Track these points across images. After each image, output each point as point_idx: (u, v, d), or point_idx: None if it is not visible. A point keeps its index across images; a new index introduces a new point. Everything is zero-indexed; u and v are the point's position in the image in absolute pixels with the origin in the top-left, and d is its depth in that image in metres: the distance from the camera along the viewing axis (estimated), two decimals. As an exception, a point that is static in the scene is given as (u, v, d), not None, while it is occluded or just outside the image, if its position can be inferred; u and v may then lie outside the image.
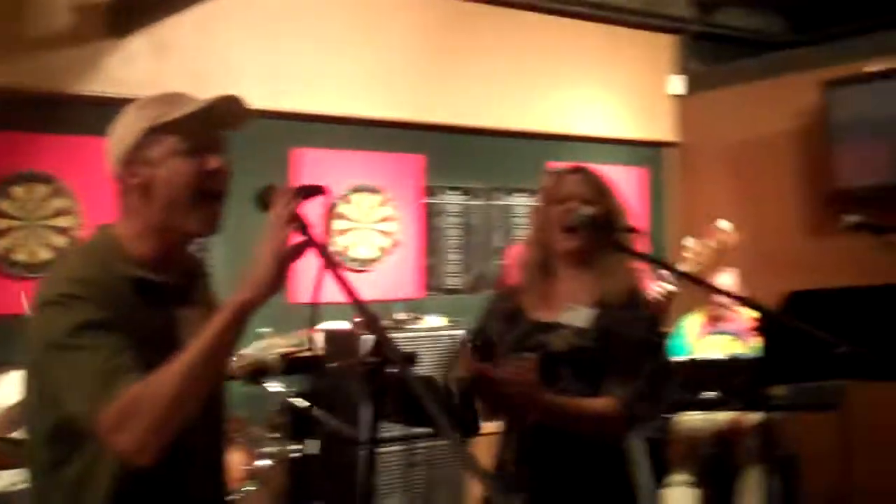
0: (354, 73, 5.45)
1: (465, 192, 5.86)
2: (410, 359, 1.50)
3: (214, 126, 1.93)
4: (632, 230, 2.61)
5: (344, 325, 5.04)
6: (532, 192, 6.10)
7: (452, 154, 5.82)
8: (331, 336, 4.83)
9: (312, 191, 1.82)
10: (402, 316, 4.98)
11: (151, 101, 1.94)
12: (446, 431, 1.38)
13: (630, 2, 6.36)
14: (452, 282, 5.77)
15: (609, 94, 6.48)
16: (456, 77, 5.81)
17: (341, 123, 5.37)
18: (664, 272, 3.68)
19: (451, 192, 5.80)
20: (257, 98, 4.90)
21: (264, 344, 4.17)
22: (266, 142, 4.86)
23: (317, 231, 1.80)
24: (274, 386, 4.19)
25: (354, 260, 5.32)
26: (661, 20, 6.59)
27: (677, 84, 6.73)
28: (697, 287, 2.81)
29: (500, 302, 2.84)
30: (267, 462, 3.93)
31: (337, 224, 5.30)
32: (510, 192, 6.04)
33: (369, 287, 5.35)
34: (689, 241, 3.74)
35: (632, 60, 6.60)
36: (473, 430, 2.74)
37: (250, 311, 1.75)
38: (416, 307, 5.34)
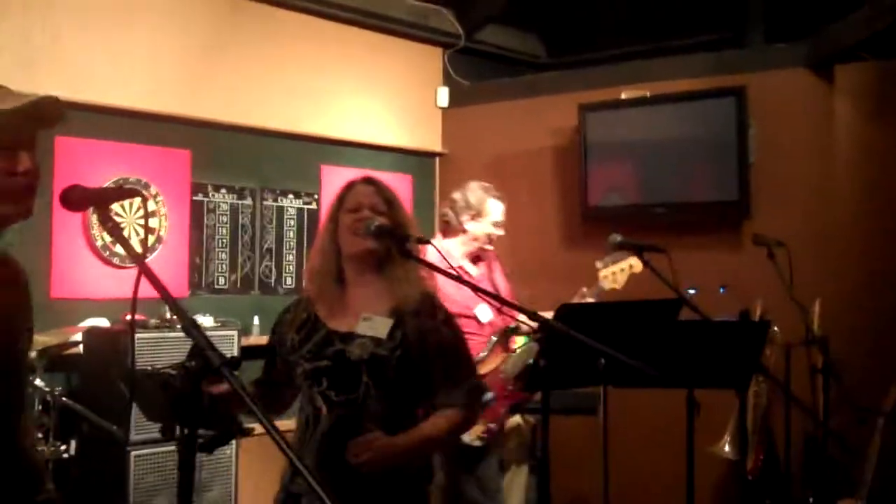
0: (121, 61, 5.25)
1: (234, 190, 5.78)
2: (231, 361, 1.50)
3: (29, 124, 1.88)
4: (422, 241, 2.70)
5: (105, 322, 4.89)
6: (303, 195, 6.11)
7: (221, 152, 5.72)
8: (91, 334, 4.67)
9: (127, 193, 1.80)
10: (170, 315, 4.84)
11: None
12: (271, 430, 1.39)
13: (400, 13, 6.52)
14: (218, 281, 5.67)
15: (380, 102, 6.59)
16: (227, 74, 5.73)
17: (106, 113, 5.16)
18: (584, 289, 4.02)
19: (219, 191, 5.70)
20: (16, 83, 4.66)
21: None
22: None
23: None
24: (37, 384, 3.98)
25: (117, 255, 5.14)
26: (429, 33, 6.79)
27: (444, 96, 6.93)
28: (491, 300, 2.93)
29: (296, 310, 2.84)
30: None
31: (100, 218, 5.10)
32: (281, 193, 6.01)
33: (133, 284, 5.18)
34: (599, 264, 4.06)
35: (403, 70, 6.76)
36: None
37: None
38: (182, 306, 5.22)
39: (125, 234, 1.82)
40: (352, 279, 2.78)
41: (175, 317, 1.61)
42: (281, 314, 2.91)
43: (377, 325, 2.68)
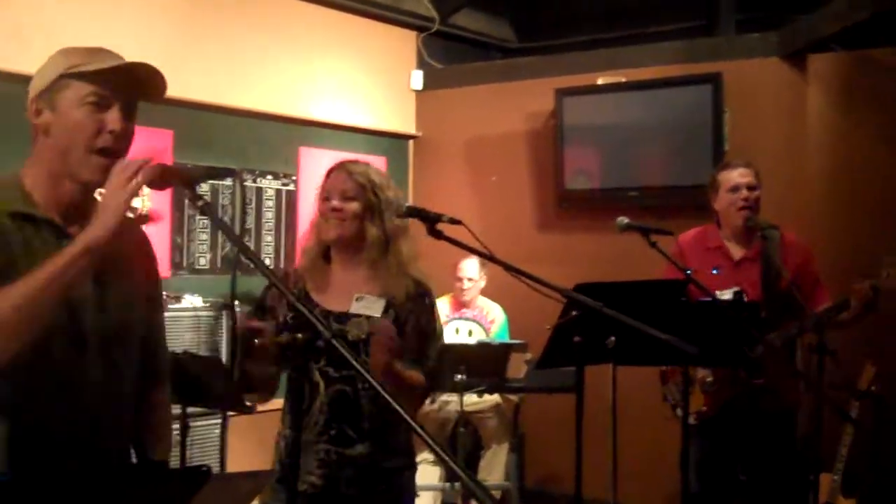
0: (103, 39, 5.16)
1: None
2: (338, 333, 1.56)
3: (128, 89, 1.94)
4: (453, 221, 2.74)
5: None
6: (282, 176, 6.13)
7: (202, 132, 5.71)
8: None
9: (222, 173, 1.84)
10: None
11: (76, 50, 1.96)
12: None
13: (376, -5, 6.57)
14: (199, 262, 5.68)
15: (356, 84, 6.63)
16: (209, 55, 5.72)
17: (90, 92, 5.13)
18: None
19: (199, 171, 5.69)
20: (6, 65, 4.64)
21: None
22: (11, 106, 4.56)
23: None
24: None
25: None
26: (404, 16, 6.84)
27: (418, 79, 6.99)
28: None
29: (284, 285, 2.86)
30: None
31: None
32: (260, 174, 6.03)
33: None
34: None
35: (378, 53, 6.79)
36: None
37: (99, 248, 1.79)
38: (163, 287, 5.22)
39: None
40: (339, 260, 2.87)
41: (287, 295, 1.65)
42: (266, 289, 2.92)
43: (371, 305, 2.77)
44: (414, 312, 2.81)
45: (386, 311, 2.76)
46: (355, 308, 2.75)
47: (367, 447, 2.71)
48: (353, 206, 2.79)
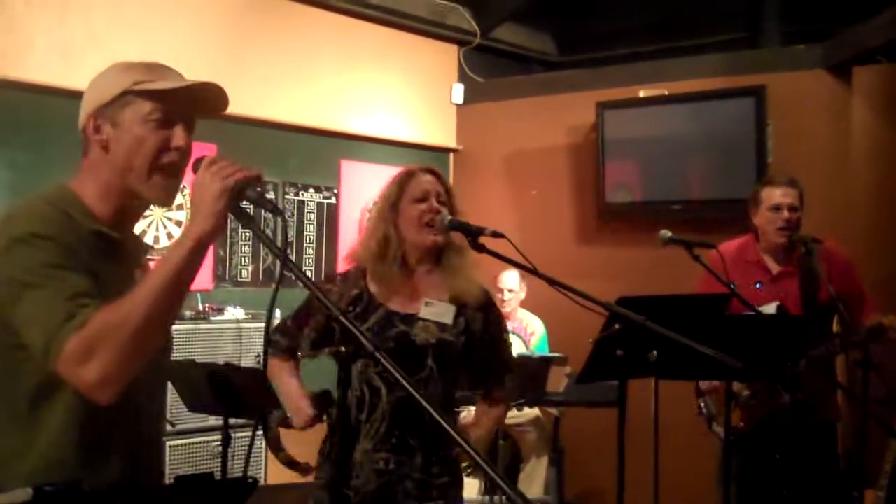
0: (148, 55, 5.26)
1: (257, 184, 5.82)
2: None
3: (189, 107, 1.94)
4: (496, 234, 2.76)
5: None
6: (323, 189, 6.18)
7: (245, 145, 5.76)
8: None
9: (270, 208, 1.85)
10: (202, 307, 4.91)
11: (136, 65, 1.94)
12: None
13: (418, 10, 6.60)
14: (241, 274, 5.73)
15: (397, 98, 6.67)
16: (252, 70, 5.79)
17: (135, 106, 5.20)
18: None
19: (242, 184, 5.74)
20: (49, 74, 4.71)
21: None
22: (57, 122, 4.66)
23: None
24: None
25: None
26: (446, 30, 6.88)
27: (459, 93, 7.01)
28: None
29: (344, 284, 2.86)
30: None
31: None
32: (302, 187, 6.08)
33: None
34: None
35: (420, 67, 6.84)
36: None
37: (208, 241, 1.77)
38: (206, 298, 5.28)
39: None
40: (412, 265, 2.85)
41: (329, 308, 1.66)
42: (326, 285, 2.91)
43: (442, 311, 2.77)
44: (485, 322, 2.84)
45: (455, 318, 2.77)
46: (425, 313, 2.76)
47: (424, 459, 2.71)
48: (445, 209, 2.82)
